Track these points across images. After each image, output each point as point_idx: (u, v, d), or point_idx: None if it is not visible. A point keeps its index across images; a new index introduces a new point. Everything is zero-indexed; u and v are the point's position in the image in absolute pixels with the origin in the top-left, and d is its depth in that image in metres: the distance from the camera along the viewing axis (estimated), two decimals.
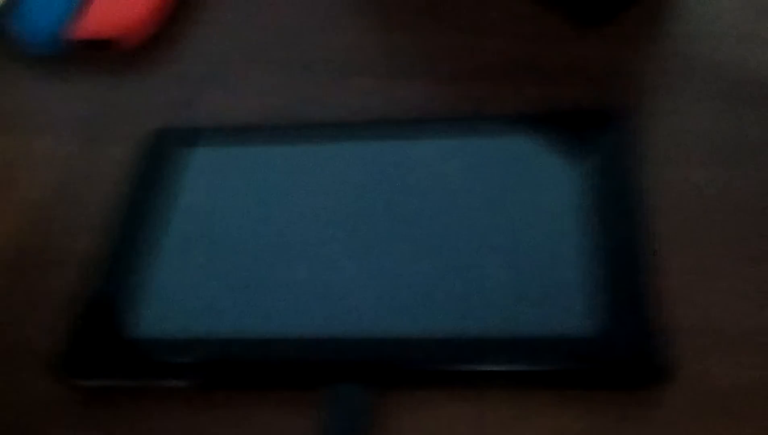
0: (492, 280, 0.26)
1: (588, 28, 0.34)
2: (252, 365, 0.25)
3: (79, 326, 0.27)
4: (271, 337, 0.25)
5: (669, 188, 0.29)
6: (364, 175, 0.29)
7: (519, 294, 0.25)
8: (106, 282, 0.28)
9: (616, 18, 0.35)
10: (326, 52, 0.36)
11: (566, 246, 0.26)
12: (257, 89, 0.35)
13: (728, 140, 0.30)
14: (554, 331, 0.24)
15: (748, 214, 0.28)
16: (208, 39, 0.38)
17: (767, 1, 0.34)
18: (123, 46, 0.37)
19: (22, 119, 0.36)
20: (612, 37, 0.34)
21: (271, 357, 0.25)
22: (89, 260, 0.30)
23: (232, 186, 0.30)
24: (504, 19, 0.35)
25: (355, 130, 0.31)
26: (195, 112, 0.35)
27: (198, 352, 0.25)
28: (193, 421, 0.25)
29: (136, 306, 0.27)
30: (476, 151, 0.29)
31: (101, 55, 0.38)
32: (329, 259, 0.27)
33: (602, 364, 0.24)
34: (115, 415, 0.26)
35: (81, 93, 0.36)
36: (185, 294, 0.27)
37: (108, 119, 0.35)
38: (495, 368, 0.24)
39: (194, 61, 0.37)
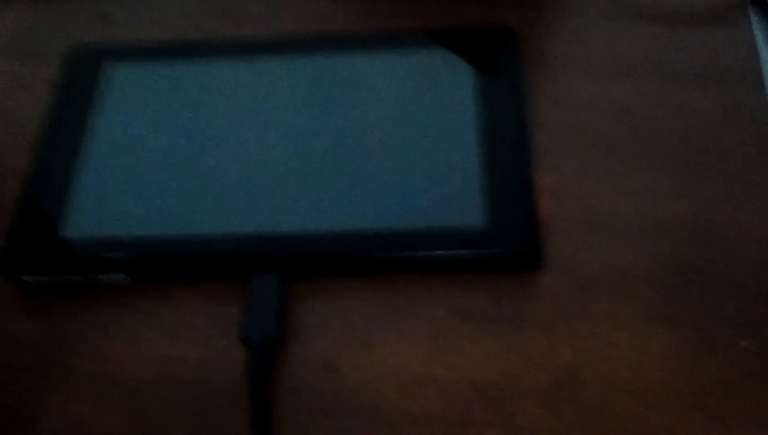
0: (396, 180, 0.29)
1: None
2: (180, 259, 0.28)
3: (17, 228, 0.29)
4: (197, 234, 0.28)
5: (557, 98, 0.32)
6: (278, 88, 0.32)
7: (419, 191, 0.28)
8: (39, 188, 0.30)
9: None
10: None
11: (462, 149, 0.29)
12: (179, 6, 0.36)
13: (615, 55, 0.33)
14: (449, 222, 0.27)
15: (626, 122, 0.31)
16: None
17: None
18: None
19: None
20: None
21: (198, 252, 0.28)
22: (24, 170, 0.31)
23: (152, 99, 0.32)
24: None
25: (266, 45, 0.33)
26: (115, 27, 0.36)
27: (129, 248, 0.28)
28: (128, 311, 0.28)
29: (68, 208, 0.29)
30: (381, 64, 0.32)
31: None
32: (247, 164, 0.29)
33: (490, 250, 0.27)
34: (57, 308, 0.28)
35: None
36: (115, 197, 0.29)
37: (30, 37, 0.36)
38: (398, 255, 0.27)
39: None
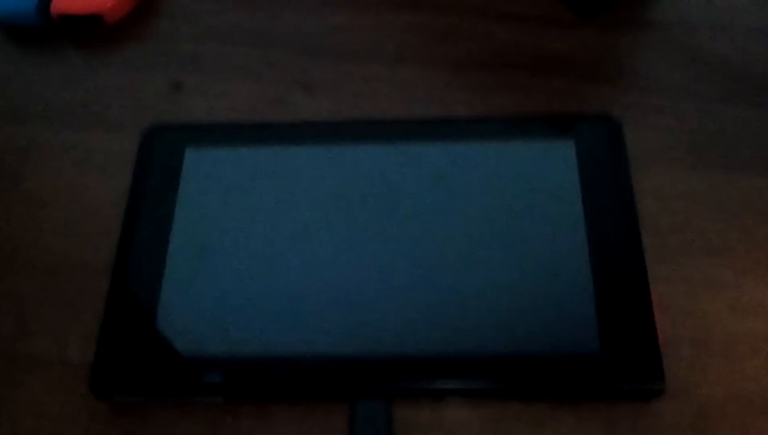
0: (503, 299, 0.27)
1: (585, 19, 0.35)
2: (278, 382, 0.26)
3: (105, 343, 0.27)
4: (296, 354, 0.26)
5: (660, 194, 0.30)
6: (373, 179, 0.30)
7: (527, 313, 0.27)
8: (125, 296, 0.28)
9: (610, 8, 0.35)
10: (329, 35, 0.35)
11: (572, 261, 0.28)
12: (250, 72, 0.34)
13: (724, 145, 0.31)
14: (560, 348, 0.26)
15: (735, 223, 0.29)
16: (194, 12, 0.36)
17: None
18: (107, 21, 0.36)
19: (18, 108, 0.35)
20: (608, 27, 0.34)
21: (298, 373, 0.26)
22: (103, 263, 0.30)
23: (239, 193, 0.30)
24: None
25: (356, 130, 0.31)
26: (187, 97, 0.34)
27: (226, 369, 0.26)
28: (223, 431, 0.27)
29: (159, 322, 0.27)
30: (475, 155, 0.30)
31: (83, 32, 0.36)
32: (346, 272, 0.28)
33: (607, 381, 0.26)
34: (146, 426, 0.27)
35: (68, 75, 0.35)
36: (206, 307, 0.27)
37: (102, 106, 0.34)
38: (505, 384, 0.26)
39: (181, 35, 0.36)
